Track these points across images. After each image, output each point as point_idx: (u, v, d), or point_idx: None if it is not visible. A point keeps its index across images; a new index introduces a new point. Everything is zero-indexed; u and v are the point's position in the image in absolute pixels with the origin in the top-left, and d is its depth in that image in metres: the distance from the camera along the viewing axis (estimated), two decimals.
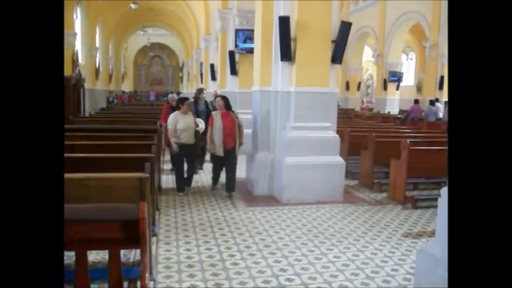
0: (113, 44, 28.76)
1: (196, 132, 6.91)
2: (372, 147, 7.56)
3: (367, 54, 27.18)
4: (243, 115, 8.33)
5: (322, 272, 3.93)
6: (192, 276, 3.75)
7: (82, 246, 2.27)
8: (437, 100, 15.50)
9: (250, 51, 9.76)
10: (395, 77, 20.18)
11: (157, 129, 7.84)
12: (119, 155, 4.81)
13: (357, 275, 3.90)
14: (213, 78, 16.44)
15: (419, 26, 19.25)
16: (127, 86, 39.32)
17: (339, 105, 15.72)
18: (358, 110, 21.69)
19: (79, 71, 15.83)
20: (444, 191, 2.96)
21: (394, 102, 20.62)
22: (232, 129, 6.56)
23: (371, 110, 22.05)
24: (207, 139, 6.68)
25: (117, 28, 27.64)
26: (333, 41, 6.51)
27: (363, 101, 27.16)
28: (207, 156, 9.02)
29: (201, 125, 7.05)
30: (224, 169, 6.83)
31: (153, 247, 4.31)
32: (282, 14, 6.46)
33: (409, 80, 25.46)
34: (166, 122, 7.26)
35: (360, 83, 26.52)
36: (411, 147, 6.46)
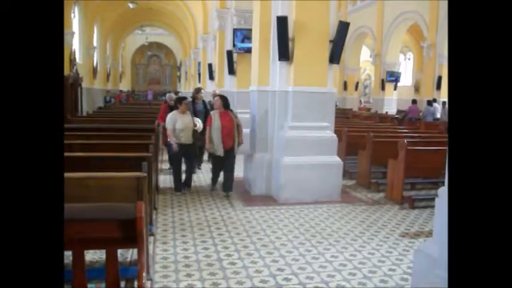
0: (110, 43, 28.71)
1: (195, 131, 6.90)
2: (369, 147, 7.57)
3: (365, 54, 27.23)
4: (241, 115, 8.32)
5: (319, 271, 3.93)
6: (189, 275, 3.75)
7: (79, 246, 2.27)
8: (434, 100, 15.53)
9: (248, 50, 9.75)
10: (393, 77, 20.20)
11: (155, 128, 7.83)
12: (116, 154, 4.81)
13: (354, 274, 3.90)
14: (211, 77, 16.44)
15: (417, 26, 19.29)
16: (125, 85, 39.27)
17: (336, 105, 15.70)
18: (355, 110, 21.70)
19: (77, 70, 15.80)
20: (442, 191, 2.97)
21: (391, 102, 20.64)
22: (231, 129, 6.54)
23: (369, 110, 22.08)
24: (205, 139, 6.67)
25: (115, 27, 27.59)
26: (330, 41, 6.52)
27: (360, 101, 27.20)
28: (205, 156, 9.02)
29: (199, 124, 7.04)
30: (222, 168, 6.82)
31: (151, 246, 4.30)
32: (280, 13, 6.46)
33: (406, 80, 25.52)
34: (164, 121, 7.25)
35: (357, 83, 26.54)
36: (409, 147, 6.47)
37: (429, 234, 5.05)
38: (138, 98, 34.60)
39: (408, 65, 26.71)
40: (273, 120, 6.83)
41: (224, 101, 6.69)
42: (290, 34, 6.39)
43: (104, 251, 2.38)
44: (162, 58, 42.58)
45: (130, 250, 4.10)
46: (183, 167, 6.93)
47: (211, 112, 6.81)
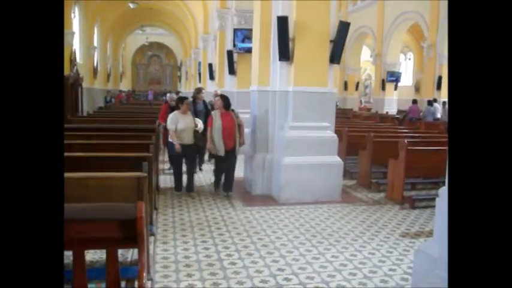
0: (111, 43, 28.72)
1: (195, 132, 6.88)
2: (370, 147, 7.57)
3: (366, 54, 27.23)
4: (241, 115, 8.30)
5: (319, 271, 3.93)
6: (189, 275, 3.75)
7: (80, 246, 2.27)
8: (435, 100, 15.52)
9: (249, 50, 9.75)
10: (394, 77, 20.20)
11: (156, 128, 7.83)
12: (116, 154, 4.81)
13: (354, 274, 3.90)
14: (211, 77, 16.44)
15: (418, 26, 19.29)
16: (125, 85, 39.29)
17: (337, 105, 15.69)
18: (356, 110, 21.70)
19: (77, 70, 15.80)
20: (442, 191, 2.96)
21: (392, 102, 20.64)
22: (232, 129, 6.50)
23: (369, 110, 22.07)
24: (206, 139, 6.65)
25: (116, 27, 27.60)
26: (331, 41, 6.51)
27: (361, 101, 27.18)
28: (205, 156, 9.01)
29: (200, 124, 7.03)
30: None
31: (151, 246, 4.30)
32: (280, 13, 6.46)
33: (407, 80, 25.50)
34: (164, 121, 7.24)
35: (358, 83, 26.54)
36: (409, 147, 6.47)
37: (429, 234, 5.05)
38: (139, 98, 34.57)
39: (408, 65, 26.70)
40: (273, 120, 6.82)
41: (225, 101, 6.64)
42: (290, 34, 6.38)
43: (104, 251, 2.38)
44: (163, 58, 42.60)
45: (131, 250, 4.10)
46: (184, 168, 6.92)
47: (212, 112, 6.79)
